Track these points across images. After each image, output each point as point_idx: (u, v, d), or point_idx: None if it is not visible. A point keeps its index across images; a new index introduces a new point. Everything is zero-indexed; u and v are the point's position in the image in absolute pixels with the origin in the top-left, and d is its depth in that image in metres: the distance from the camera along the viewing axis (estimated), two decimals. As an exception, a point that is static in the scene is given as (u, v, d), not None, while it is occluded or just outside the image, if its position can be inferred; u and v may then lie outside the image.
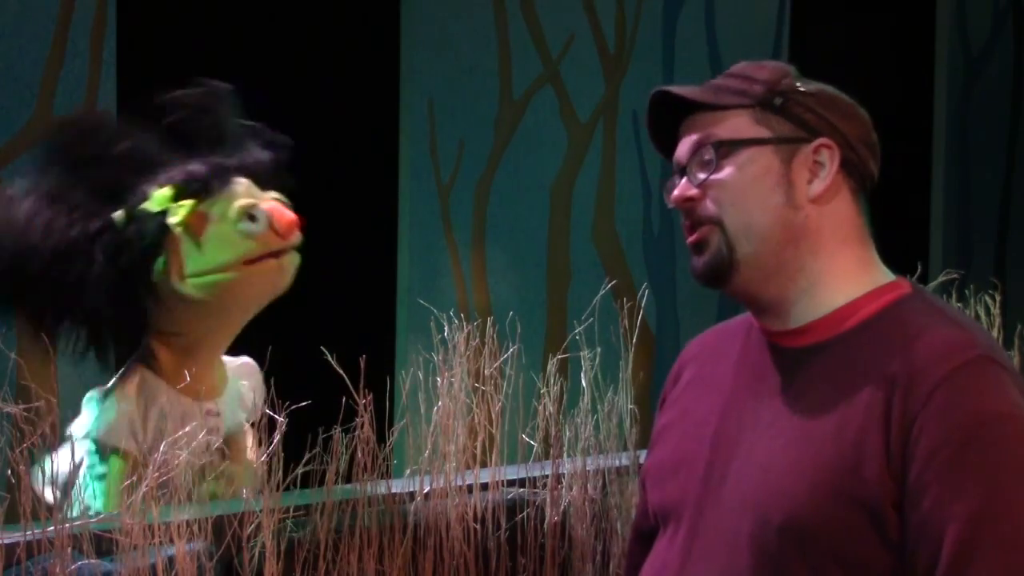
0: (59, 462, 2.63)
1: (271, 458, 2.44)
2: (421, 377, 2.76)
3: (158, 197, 2.70)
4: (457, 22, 4.99)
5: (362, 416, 2.50)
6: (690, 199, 1.68)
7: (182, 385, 2.73)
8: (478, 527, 2.73)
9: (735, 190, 1.66)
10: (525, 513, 2.80)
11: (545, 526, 2.82)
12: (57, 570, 2.21)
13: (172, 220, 2.67)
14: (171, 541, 2.28)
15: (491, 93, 5.09)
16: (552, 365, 2.90)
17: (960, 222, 6.94)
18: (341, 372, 2.60)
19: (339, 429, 2.65)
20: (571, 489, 2.86)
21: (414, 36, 4.90)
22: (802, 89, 1.69)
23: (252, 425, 2.85)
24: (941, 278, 3.62)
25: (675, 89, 1.70)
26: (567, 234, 5.35)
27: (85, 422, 2.74)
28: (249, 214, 2.69)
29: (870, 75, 6.63)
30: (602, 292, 3.06)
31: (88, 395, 2.80)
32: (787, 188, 1.66)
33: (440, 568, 2.65)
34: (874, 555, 1.55)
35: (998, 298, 3.62)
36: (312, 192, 2.95)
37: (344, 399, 2.90)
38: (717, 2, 5.76)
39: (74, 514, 2.46)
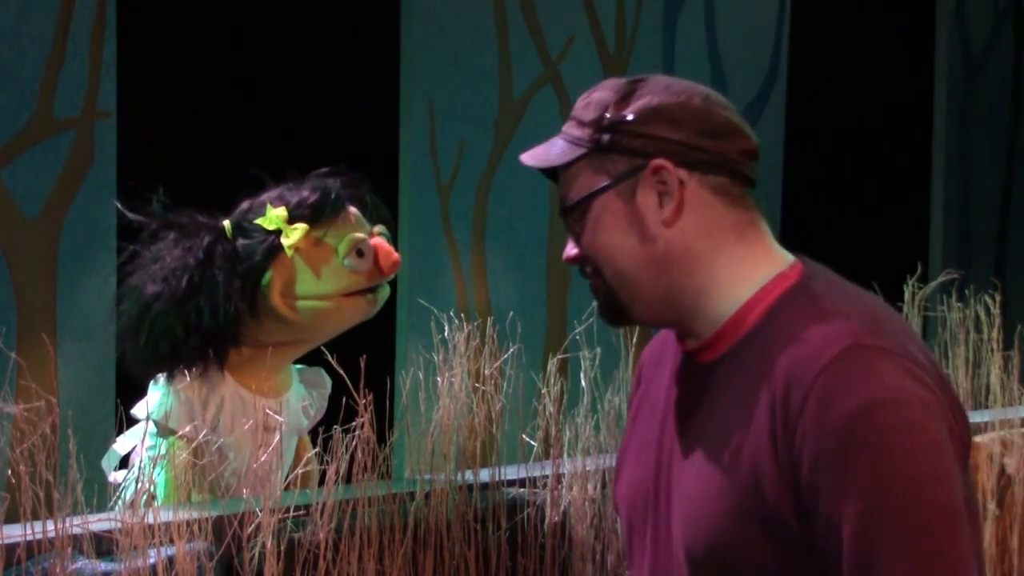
0: (123, 444, 2.75)
1: (272, 458, 2.44)
2: (421, 377, 2.76)
3: (273, 216, 2.75)
4: (457, 22, 4.99)
5: (362, 416, 2.50)
6: (574, 259, 1.72)
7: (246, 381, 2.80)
8: (478, 527, 2.73)
9: (597, 245, 1.67)
10: (525, 513, 2.80)
11: (545, 526, 2.82)
12: (57, 570, 2.21)
13: (286, 241, 2.72)
14: (171, 541, 2.28)
15: (491, 93, 5.09)
16: (552, 365, 2.90)
17: (960, 222, 6.94)
18: (341, 372, 2.60)
19: (339, 429, 2.65)
20: (571, 489, 2.86)
21: (414, 36, 4.90)
22: (623, 117, 1.65)
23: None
24: (941, 278, 3.62)
25: (525, 158, 1.73)
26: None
27: (148, 404, 2.77)
28: (358, 249, 2.74)
29: (870, 75, 6.64)
30: (602, 292, 3.05)
31: (158, 377, 2.82)
32: (638, 224, 1.64)
33: (440, 568, 2.65)
34: (795, 565, 1.55)
35: (998, 298, 3.62)
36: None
37: (344, 399, 2.90)
38: (717, 2, 5.76)
39: (129, 494, 2.49)
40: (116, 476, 2.80)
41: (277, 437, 2.56)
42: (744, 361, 1.61)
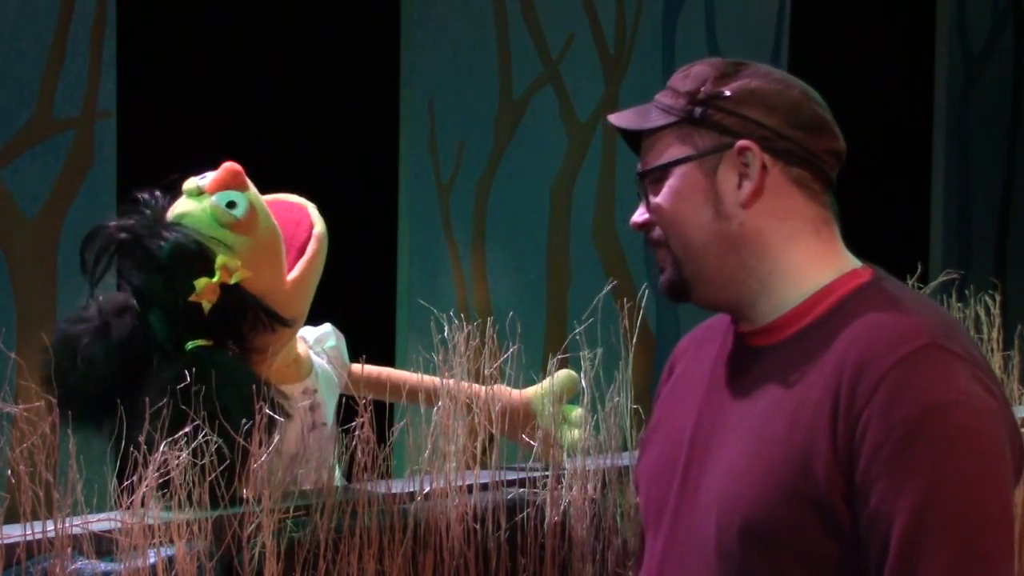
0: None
1: (271, 457, 2.44)
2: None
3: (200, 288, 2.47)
4: (457, 22, 4.99)
5: (362, 416, 2.50)
6: (642, 225, 1.72)
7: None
8: (478, 527, 2.73)
9: (670, 213, 1.68)
10: (525, 513, 2.80)
11: (545, 526, 2.82)
12: (57, 570, 2.21)
13: (205, 303, 2.41)
14: (171, 541, 2.28)
15: (491, 93, 5.09)
16: (552, 365, 2.90)
17: (960, 222, 6.94)
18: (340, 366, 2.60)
19: (339, 429, 2.65)
20: (571, 489, 2.86)
21: (414, 36, 4.90)
22: (720, 93, 1.66)
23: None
24: (941, 278, 3.62)
25: (614, 119, 1.73)
26: (567, 234, 5.35)
27: None
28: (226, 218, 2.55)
29: (870, 75, 6.64)
30: (602, 292, 3.06)
31: None
32: (715, 200, 1.65)
33: (440, 568, 2.65)
34: (831, 550, 1.55)
35: (998, 298, 3.62)
36: (312, 192, 2.95)
37: (344, 399, 2.90)
38: (717, 2, 5.76)
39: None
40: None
41: (277, 438, 2.53)
42: (807, 347, 1.62)
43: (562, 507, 2.84)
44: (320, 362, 2.85)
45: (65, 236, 4.07)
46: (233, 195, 2.48)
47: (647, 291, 3.33)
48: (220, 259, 2.38)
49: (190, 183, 2.49)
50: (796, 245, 1.66)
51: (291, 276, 2.61)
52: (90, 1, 4.10)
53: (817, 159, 1.68)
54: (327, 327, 2.89)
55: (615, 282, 3.59)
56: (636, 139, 1.73)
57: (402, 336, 4.72)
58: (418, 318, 3.13)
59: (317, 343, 2.89)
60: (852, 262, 1.69)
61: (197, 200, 2.50)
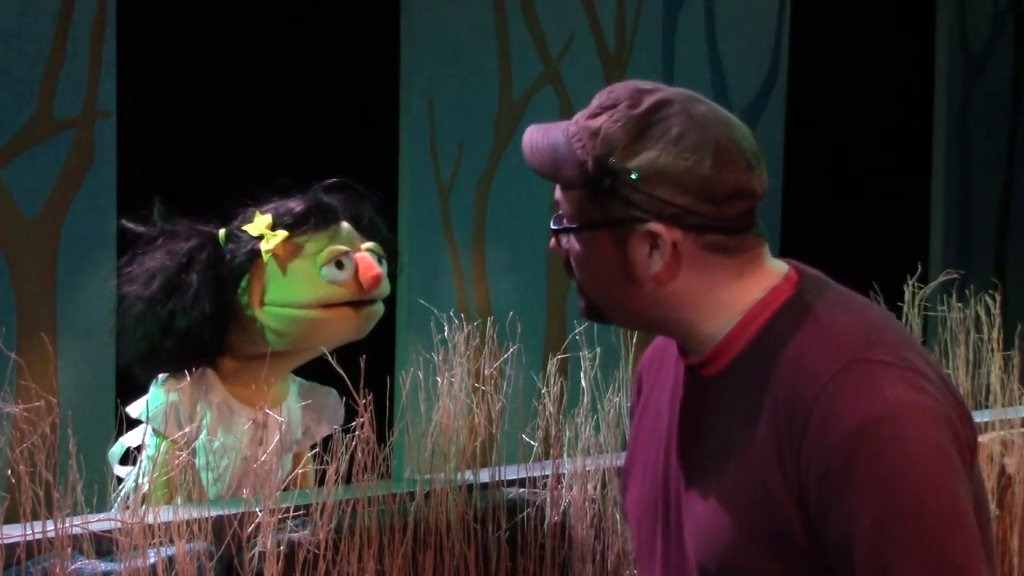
0: (132, 437, 2.79)
1: (271, 458, 2.44)
2: (421, 377, 2.76)
3: (257, 222, 2.76)
4: (457, 22, 4.99)
5: (362, 416, 2.50)
6: (558, 253, 1.72)
7: (236, 389, 2.82)
8: (478, 527, 2.73)
9: (582, 266, 1.67)
10: (525, 513, 2.80)
11: (545, 526, 2.82)
12: (57, 570, 2.21)
13: (263, 246, 2.73)
14: (171, 541, 2.28)
15: (491, 93, 5.09)
16: (552, 365, 2.90)
17: (960, 222, 6.94)
18: (341, 372, 2.60)
19: (339, 429, 2.65)
20: (571, 489, 2.86)
21: (414, 36, 4.90)
22: (627, 171, 1.60)
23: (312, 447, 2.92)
24: (941, 278, 3.62)
25: (525, 148, 1.71)
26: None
27: (143, 403, 2.79)
28: (337, 260, 2.75)
29: (870, 75, 6.63)
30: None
31: (156, 379, 2.84)
32: (627, 269, 1.63)
33: (440, 568, 2.65)
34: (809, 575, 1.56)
35: (998, 298, 3.62)
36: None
37: (344, 399, 2.90)
38: (717, 2, 5.76)
39: (127, 490, 2.53)
40: (120, 470, 2.82)
41: (277, 437, 2.55)
42: (744, 376, 1.61)
43: (562, 507, 2.84)
44: (297, 415, 2.90)
45: (65, 236, 4.07)
46: None
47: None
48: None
49: None
50: (717, 291, 1.63)
51: (271, 309, 2.73)
52: (90, 1, 4.09)
53: (731, 223, 1.61)
54: (326, 391, 2.92)
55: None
56: None
57: (402, 336, 4.72)
58: (418, 318, 3.13)
59: (312, 392, 2.93)
60: (776, 275, 1.65)
61: None
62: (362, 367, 2.49)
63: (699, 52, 5.71)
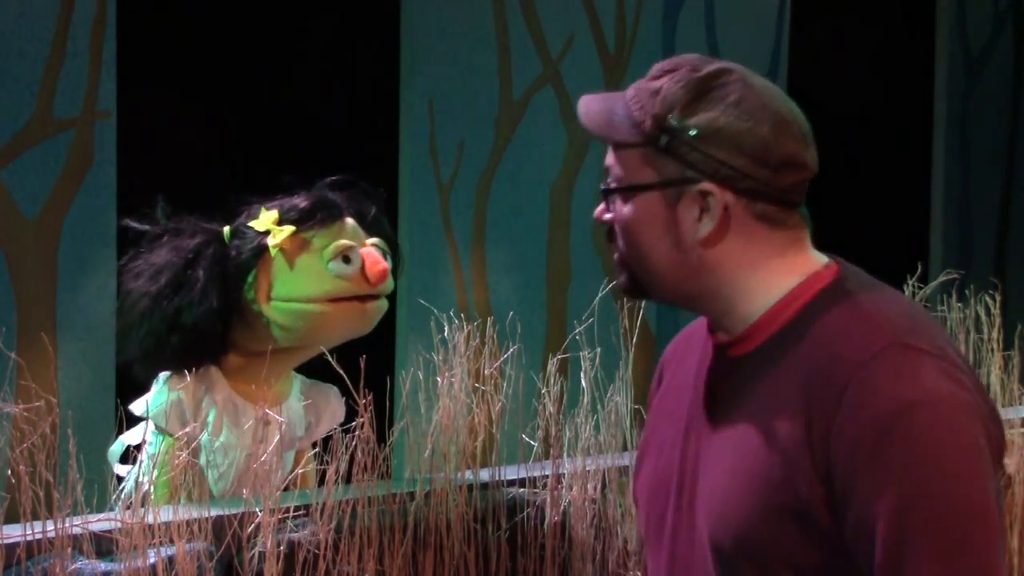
0: (132, 436, 2.78)
1: (272, 458, 2.44)
2: (421, 377, 2.76)
3: (264, 218, 2.77)
4: (457, 22, 4.99)
5: (362, 416, 2.50)
6: (603, 222, 1.70)
7: (239, 386, 2.82)
8: (478, 527, 2.73)
9: (628, 231, 1.66)
10: (525, 513, 2.80)
11: (545, 526, 2.82)
12: (57, 570, 2.21)
13: (271, 241, 2.74)
14: (171, 541, 2.28)
15: (491, 93, 5.09)
16: (552, 365, 2.90)
17: (960, 222, 6.94)
18: (341, 372, 2.60)
19: (339, 429, 2.65)
20: (571, 489, 2.86)
21: (414, 36, 4.90)
22: (686, 128, 1.61)
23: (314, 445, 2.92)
24: (941, 278, 3.62)
25: (583, 115, 1.70)
26: (567, 234, 5.35)
27: (146, 401, 2.79)
28: (344, 255, 2.76)
29: (870, 75, 6.64)
30: (602, 292, 3.06)
31: (160, 375, 2.85)
32: (675, 232, 1.63)
33: (440, 568, 2.65)
34: (821, 559, 1.56)
35: (998, 298, 3.62)
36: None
37: (344, 399, 2.90)
38: (717, 2, 5.76)
39: (127, 490, 2.53)
40: (120, 468, 2.82)
41: (277, 437, 2.56)
42: (777, 356, 1.61)
43: (562, 507, 2.84)
44: (299, 412, 2.90)
45: (65, 236, 4.07)
46: None
47: (647, 291, 3.33)
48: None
49: None
50: (758, 269, 1.64)
51: (277, 304, 2.73)
52: (90, 1, 4.10)
53: (783, 194, 1.63)
54: (329, 388, 2.92)
55: (615, 282, 3.59)
56: None
57: (402, 336, 4.72)
58: (418, 318, 3.13)
59: (313, 390, 2.93)
60: (817, 264, 1.66)
61: None
62: (362, 367, 2.49)
63: (699, 52, 5.70)
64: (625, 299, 1.75)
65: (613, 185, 1.66)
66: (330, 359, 2.65)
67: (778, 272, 1.64)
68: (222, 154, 4.49)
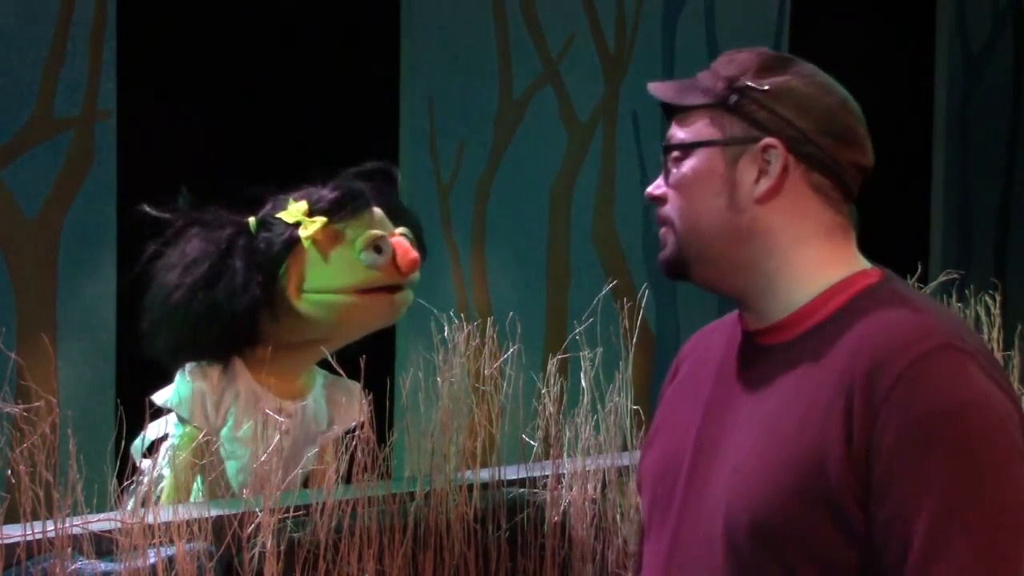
0: (155, 430, 2.78)
1: (271, 458, 2.44)
2: (421, 377, 2.76)
3: (293, 209, 2.76)
4: (457, 22, 4.99)
5: (362, 416, 2.50)
6: (656, 197, 1.72)
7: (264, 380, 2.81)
8: (478, 527, 2.73)
9: (684, 192, 1.68)
10: (525, 513, 2.80)
11: (545, 526, 2.82)
12: (57, 570, 2.21)
13: (303, 232, 2.73)
14: (171, 541, 2.28)
15: (491, 93, 5.09)
16: (552, 365, 2.90)
17: (960, 222, 6.94)
18: (341, 372, 2.60)
19: (341, 428, 2.65)
20: (571, 489, 2.86)
21: (414, 36, 4.90)
22: (758, 85, 1.66)
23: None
24: (941, 278, 3.62)
25: (653, 87, 1.74)
26: (567, 234, 5.35)
27: (168, 392, 2.79)
28: (376, 245, 2.75)
29: (870, 75, 6.64)
30: (602, 292, 3.06)
31: (183, 368, 2.83)
32: (731, 190, 1.65)
33: (440, 568, 2.65)
34: (841, 550, 1.55)
35: (998, 298, 3.62)
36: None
37: (344, 399, 2.90)
38: (717, 2, 5.76)
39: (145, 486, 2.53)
40: (144, 463, 2.81)
41: (277, 437, 2.55)
42: (817, 346, 1.61)
43: (562, 507, 2.84)
44: (322, 406, 2.89)
45: (65, 236, 4.07)
46: None
47: (647, 291, 3.33)
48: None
49: None
50: (806, 246, 1.66)
51: (309, 296, 2.72)
52: (90, 1, 4.10)
53: (841, 169, 1.66)
54: (350, 383, 2.91)
55: (615, 282, 3.59)
56: (671, 110, 1.75)
57: (402, 336, 4.72)
58: (418, 318, 3.13)
59: (336, 385, 2.93)
60: (863, 263, 1.68)
61: None
62: (362, 367, 2.49)
63: (699, 52, 5.71)
64: (666, 275, 1.75)
65: (675, 141, 1.69)
66: (330, 359, 2.65)
67: (824, 261, 1.66)
68: (222, 154, 4.49)
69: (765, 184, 1.64)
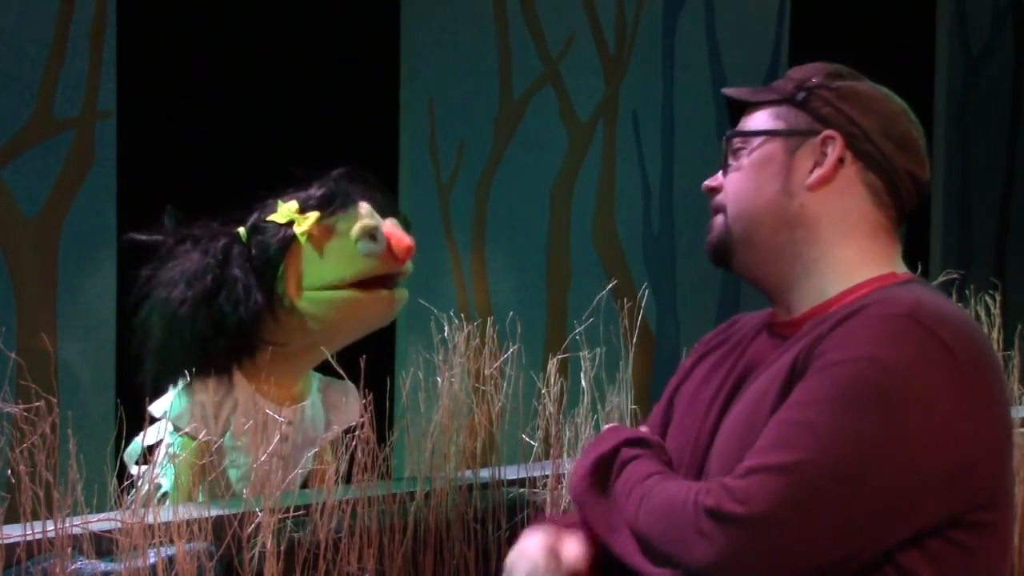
0: (148, 437, 2.77)
1: (272, 458, 2.44)
2: (421, 377, 2.76)
3: (284, 210, 2.77)
4: (457, 22, 4.99)
5: (362, 416, 2.50)
6: (712, 188, 1.78)
7: (259, 387, 2.79)
8: (478, 527, 2.73)
9: (741, 177, 1.74)
10: (525, 513, 2.80)
11: (545, 526, 2.82)
12: (57, 570, 2.21)
13: (298, 229, 2.74)
14: (171, 541, 2.28)
15: (491, 93, 5.09)
16: (552, 365, 2.89)
17: (960, 222, 6.94)
18: (341, 372, 2.60)
19: (339, 429, 2.65)
20: (571, 489, 2.85)
21: (414, 36, 4.90)
22: (827, 84, 1.73)
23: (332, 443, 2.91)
24: (941, 278, 3.61)
25: (727, 90, 1.81)
26: (567, 234, 5.35)
27: (165, 403, 2.78)
28: (371, 234, 2.75)
29: (870, 75, 6.64)
30: (602, 292, 3.06)
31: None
32: (785, 176, 1.71)
33: (440, 568, 2.65)
34: None
35: (998, 298, 3.62)
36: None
37: (341, 400, 2.90)
38: (717, 2, 5.76)
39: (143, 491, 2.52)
40: (137, 469, 2.81)
41: (277, 437, 2.55)
42: (811, 328, 1.64)
43: (562, 507, 2.84)
44: (319, 410, 2.89)
45: (65, 236, 4.07)
46: None
47: (647, 291, 3.33)
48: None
49: None
50: (849, 241, 1.69)
51: (309, 294, 2.72)
52: (90, 1, 4.10)
53: (896, 173, 1.71)
54: (345, 385, 2.91)
55: (615, 282, 3.59)
56: (738, 112, 1.81)
57: (402, 336, 4.72)
58: (418, 318, 3.12)
59: (332, 387, 2.92)
60: (898, 266, 1.71)
61: None
62: (362, 367, 2.49)
63: (699, 52, 5.71)
64: (711, 259, 1.79)
65: (740, 129, 1.76)
66: (330, 359, 2.65)
67: (863, 259, 1.69)
68: (222, 154, 4.49)
69: (818, 172, 1.69)
